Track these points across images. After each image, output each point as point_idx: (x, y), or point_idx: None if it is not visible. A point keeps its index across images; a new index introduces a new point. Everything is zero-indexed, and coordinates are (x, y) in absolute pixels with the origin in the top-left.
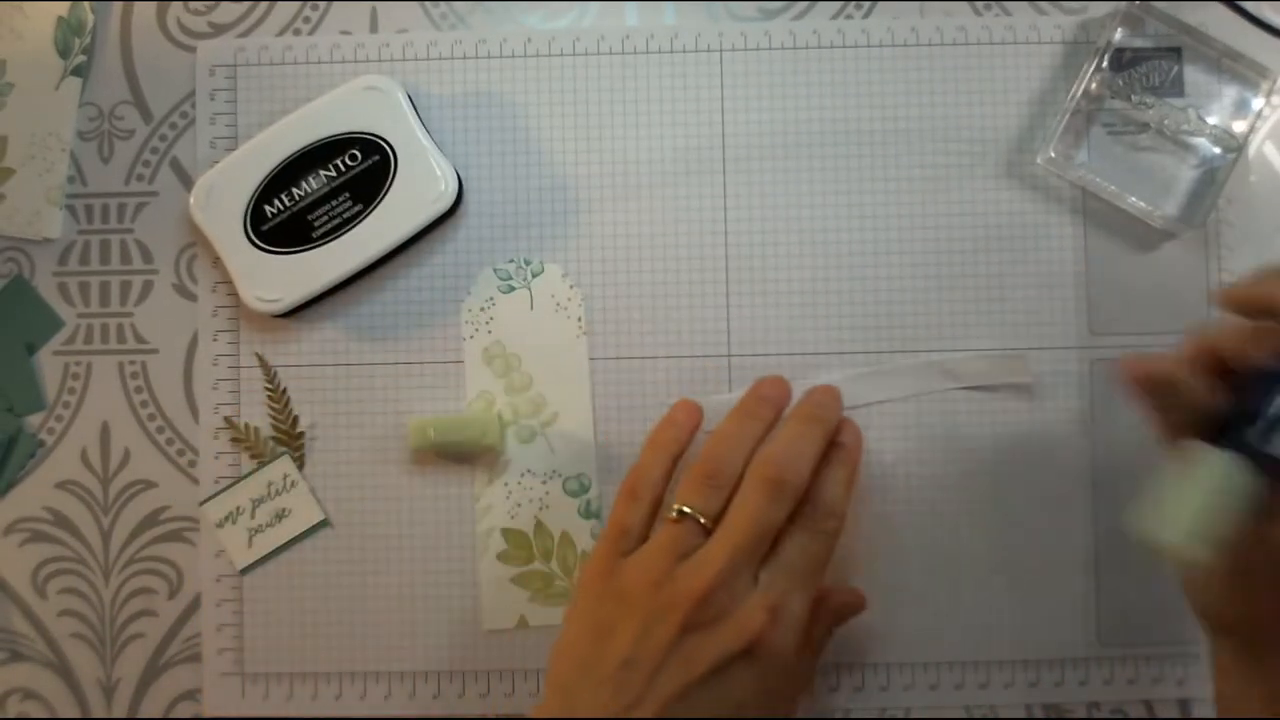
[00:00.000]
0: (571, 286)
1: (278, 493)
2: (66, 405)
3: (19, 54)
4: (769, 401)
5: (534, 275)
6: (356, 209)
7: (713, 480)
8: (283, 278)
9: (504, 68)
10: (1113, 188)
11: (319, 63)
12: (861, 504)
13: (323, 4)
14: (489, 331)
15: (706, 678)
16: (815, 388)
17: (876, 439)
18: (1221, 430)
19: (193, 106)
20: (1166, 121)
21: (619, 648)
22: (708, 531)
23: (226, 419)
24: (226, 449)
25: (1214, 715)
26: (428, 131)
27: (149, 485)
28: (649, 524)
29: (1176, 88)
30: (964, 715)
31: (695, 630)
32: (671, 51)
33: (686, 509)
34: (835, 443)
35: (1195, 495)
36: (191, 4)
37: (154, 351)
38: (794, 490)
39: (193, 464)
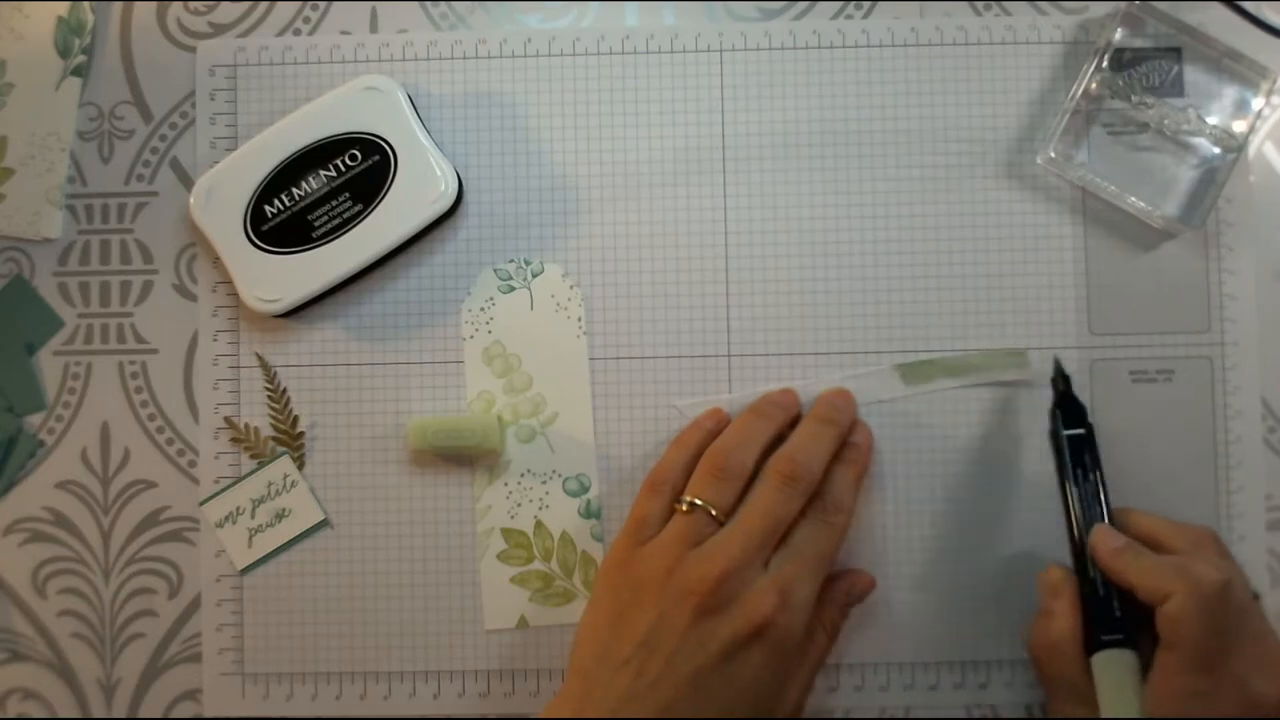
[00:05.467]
0: (571, 286)
1: (278, 493)
2: (66, 405)
3: (19, 54)
4: (780, 406)
5: (534, 275)
6: (356, 209)
7: (722, 474)
8: (283, 278)
9: (504, 68)
10: (1113, 188)
11: (319, 63)
12: (865, 503)
13: (323, 4)
14: (489, 331)
15: (720, 660)
16: (830, 390)
17: (877, 438)
18: (1095, 635)
19: (193, 106)
20: (1166, 121)
21: (636, 632)
22: (719, 523)
23: (226, 419)
24: (226, 449)
25: None
26: (428, 131)
27: (149, 485)
28: (667, 516)
29: (1176, 88)
30: (964, 715)
31: (708, 615)
32: (671, 51)
33: (697, 501)
34: (848, 442)
35: (1119, 692)
36: (191, 4)
37: (154, 351)
38: (806, 486)
39: (193, 464)
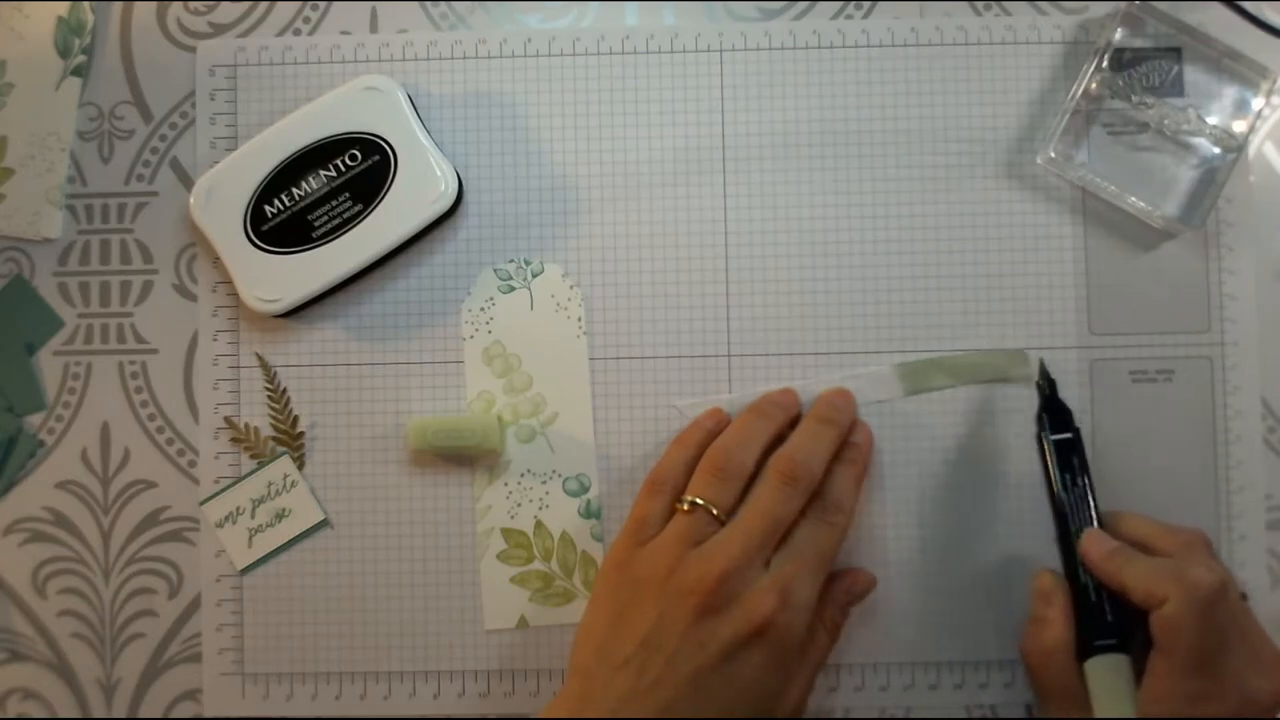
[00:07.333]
0: (571, 286)
1: (278, 493)
2: (66, 405)
3: (19, 54)
4: (780, 406)
5: (534, 275)
6: (356, 209)
7: (723, 473)
8: (283, 278)
9: (504, 68)
10: (1113, 188)
11: (319, 63)
12: (865, 503)
13: (323, 4)
14: (489, 331)
15: (720, 660)
16: (830, 390)
17: (877, 438)
18: (1088, 641)
19: (193, 106)
20: (1166, 121)
21: (636, 632)
22: (720, 522)
23: (226, 419)
24: (226, 449)
25: None
26: (428, 131)
27: (149, 485)
28: (668, 516)
29: (1176, 88)
30: (964, 715)
31: (709, 615)
32: (671, 51)
33: (698, 500)
34: (848, 442)
35: (1113, 697)
36: (191, 4)
37: (154, 351)
38: (806, 485)
39: (193, 464)
